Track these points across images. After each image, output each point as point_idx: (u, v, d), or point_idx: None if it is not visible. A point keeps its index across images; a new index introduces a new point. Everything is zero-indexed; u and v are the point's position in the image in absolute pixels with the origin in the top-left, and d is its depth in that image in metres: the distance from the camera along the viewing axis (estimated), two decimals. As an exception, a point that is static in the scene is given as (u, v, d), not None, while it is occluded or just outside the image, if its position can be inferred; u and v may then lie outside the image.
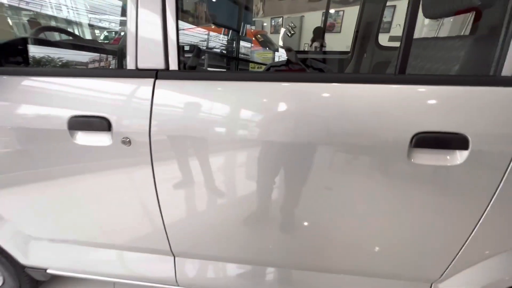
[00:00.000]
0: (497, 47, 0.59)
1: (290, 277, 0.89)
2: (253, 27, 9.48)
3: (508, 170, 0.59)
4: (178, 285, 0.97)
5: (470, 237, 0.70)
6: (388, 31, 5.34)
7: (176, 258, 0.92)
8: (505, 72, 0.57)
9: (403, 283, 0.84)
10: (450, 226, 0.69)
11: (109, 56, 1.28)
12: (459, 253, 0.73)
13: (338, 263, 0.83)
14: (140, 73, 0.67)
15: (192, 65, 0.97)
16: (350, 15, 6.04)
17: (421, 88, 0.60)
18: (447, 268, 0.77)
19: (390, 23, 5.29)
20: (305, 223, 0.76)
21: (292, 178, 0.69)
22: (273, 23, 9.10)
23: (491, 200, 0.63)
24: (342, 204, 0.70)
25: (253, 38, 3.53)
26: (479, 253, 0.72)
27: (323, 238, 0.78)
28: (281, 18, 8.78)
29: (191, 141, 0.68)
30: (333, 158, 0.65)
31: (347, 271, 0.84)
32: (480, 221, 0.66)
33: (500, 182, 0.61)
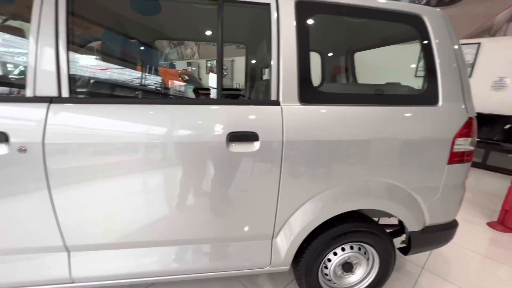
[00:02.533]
0: (269, 86, 1.07)
1: (174, 253, 1.13)
2: (190, 68, 10.13)
3: (284, 150, 1.04)
4: (73, 282, 1.09)
5: (279, 200, 1.11)
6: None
7: (70, 254, 1.06)
8: (273, 97, 1.05)
9: (255, 242, 1.18)
10: (264, 195, 1.09)
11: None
12: (277, 213, 1.13)
13: (206, 235, 1.12)
14: (37, 99, 0.92)
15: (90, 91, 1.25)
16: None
17: (232, 106, 1.03)
18: (274, 226, 1.15)
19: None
20: (174, 207, 1.05)
21: (158, 171, 1.00)
22: (208, 65, 9.98)
23: (280, 170, 1.06)
24: (194, 186, 1.03)
25: (179, 78, 3.98)
26: (288, 209, 1.13)
27: (188, 217, 1.07)
28: (215, 60, 9.71)
29: (77, 146, 0.93)
30: (186, 152, 0.99)
31: (213, 239, 1.14)
32: (280, 187, 1.09)
33: (282, 158, 1.04)
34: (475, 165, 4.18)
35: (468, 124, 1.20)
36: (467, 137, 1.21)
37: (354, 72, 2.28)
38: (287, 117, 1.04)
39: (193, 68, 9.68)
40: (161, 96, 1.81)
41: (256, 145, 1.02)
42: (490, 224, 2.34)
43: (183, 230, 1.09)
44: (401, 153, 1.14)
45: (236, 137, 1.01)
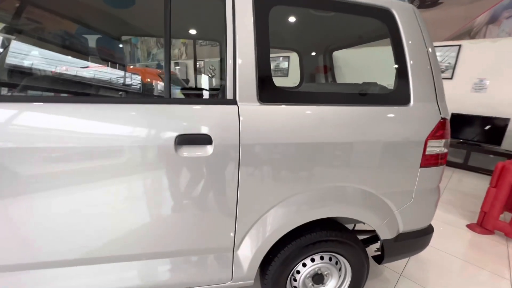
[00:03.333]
0: (226, 84, 0.97)
1: (119, 271, 1.01)
2: (177, 68, 9.99)
3: (241, 154, 0.93)
4: None
5: (238, 210, 1.00)
6: (287, 75, 6.61)
7: None
8: (229, 96, 0.95)
9: (214, 255, 1.07)
10: (221, 204, 0.98)
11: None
12: (236, 224, 1.02)
13: (156, 248, 1.00)
14: None
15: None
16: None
17: (182, 106, 0.92)
18: (234, 237, 1.04)
19: (287, 69, 6.56)
20: (117, 219, 0.92)
21: (94, 179, 0.87)
22: (197, 65, 9.85)
23: (238, 176, 0.96)
24: (138, 195, 0.91)
25: (159, 77, 3.86)
26: (249, 219, 1.03)
27: (133, 230, 0.95)
28: (203, 61, 9.62)
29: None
30: (125, 158, 0.87)
31: (164, 254, 1.02)
32: (238, 195, 0.98)
33: (239, 163, 0.94)
34: (456, 165, 4.22)
35: (441, 125, 1.13)
36: (441, 139, 1.14)
37: (333, 71, 2.22)
38: (245, 117, 0.94)
39: (178, 68, 9.56)
40: (104, 94, 1.58)
41: (209, 149, 0.92)
42: (469, 226, 2.31)
43: (128, 245, 0.97)
44: (371, 157, 1.06)
45: (185, 140, 0.90)
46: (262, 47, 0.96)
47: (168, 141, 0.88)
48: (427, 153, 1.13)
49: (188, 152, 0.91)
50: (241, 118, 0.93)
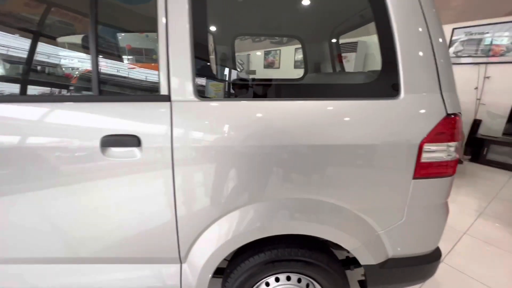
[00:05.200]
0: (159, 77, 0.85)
1: (52, 273, 0.98)
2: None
3: (174, 157, 0.82)
4: None
5: (178, 219, 0.89)
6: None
7: None
8: (163, 91, 0.83)
9: (158, 266, 0.99)
10: (159, 210, 0.88)
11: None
12: (178, 233, 0.92)
13: (91, 253, 0.95)
14: None
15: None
16: (286, 53, 6.92)
17: (110, 104, 0.83)
18: (179, 247, 0.94)
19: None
20: (52, 221, 0.90)
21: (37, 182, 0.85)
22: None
23: (173, 182, 0.85)
24: (71, 199, 0.87)
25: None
26: (193, 230, 0.91)
27: (67, 233, 0.92)
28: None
29: None
30: (45, 160, 0.83)
31: (100, 259, 0.97)
32: (176, 204, 0.87)
33: (173, 167, 0.83)
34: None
35: (446, 124, 0.85)
36: (445, 142, 0.86)
37: (341, 59, 1.93)
38: (178, 116, 0.81)
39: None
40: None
41: (138, 151, 0.82)
42: (519, 249, 1.83)
43: (55, 248, 0.93)
44: (338, 163, 0.85)
45: (112, 141, 0.82)
46: (200, 33, 0.82)
47: (93, 142, 0.81)
48: (423, 160, 0.86)
49: (115, 154, 0.83)
50: (174, 117, 0.81)
